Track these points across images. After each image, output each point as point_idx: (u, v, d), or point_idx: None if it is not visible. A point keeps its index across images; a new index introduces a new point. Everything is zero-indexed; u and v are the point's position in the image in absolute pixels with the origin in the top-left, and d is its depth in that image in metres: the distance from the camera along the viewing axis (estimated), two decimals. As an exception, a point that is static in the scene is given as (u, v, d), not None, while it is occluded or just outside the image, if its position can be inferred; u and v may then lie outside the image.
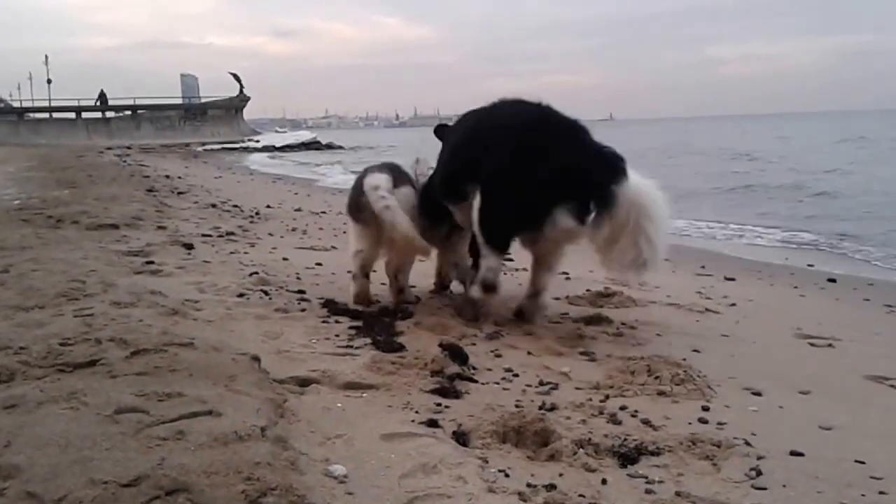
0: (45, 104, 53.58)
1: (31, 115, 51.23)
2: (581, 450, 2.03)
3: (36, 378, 2.13)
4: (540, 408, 2.35)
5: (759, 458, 2.04)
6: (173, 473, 1.55)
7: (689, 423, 2.31)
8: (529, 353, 3.03)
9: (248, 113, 58.38)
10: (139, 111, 52.02)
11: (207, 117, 52.93)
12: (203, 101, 56.16)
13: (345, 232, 6.49)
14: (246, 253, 5.18)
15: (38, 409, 1.86)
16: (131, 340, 2.47)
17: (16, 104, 54.96)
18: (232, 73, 54.21)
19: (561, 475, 1.93)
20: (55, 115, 51.16)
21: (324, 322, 3.30)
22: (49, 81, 56.36)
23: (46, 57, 58.74)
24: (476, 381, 2.61)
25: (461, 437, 2.09)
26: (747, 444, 2.14)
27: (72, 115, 50.65)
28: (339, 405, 2.25)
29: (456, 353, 2.72)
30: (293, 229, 6.84)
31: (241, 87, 53.55)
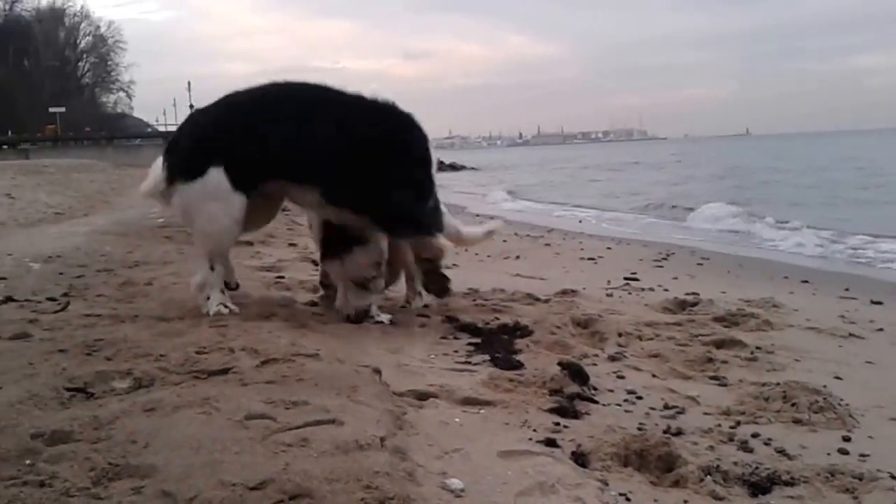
0: (189, 128, 57.99)
1: (176, 139, 55.65)
2: (708, 477, 1.92)
3: (173, 384, 2.27)
4: (664, 432, 2.24)
5: (907, 493, 1.84)
6: (297, 479, 1.59)
7: (828, 454, 2.15)
8: (654, 375, 2.90)
9: (374, 135, 60.27)
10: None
11: (336, 139, 55.25)
12: (332, 124, 58.64)
13: (476, 254, 6.53)
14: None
15: (174, 413, 1.97)
16: (262, 350, 2.60)
17: (161, 129, 59.95)
18: (356, 96, 56.41)
19: (686, 502, 1.83)
20: (198, 138, 55.26)
21: (443, 338, 3.31)
22: (191, 107, 61.10)
23: (189, 83, 64.16)
24: (596, 402, 2.52)
25: (580, 458, 2.02)
26: (893, 477, 1.95)
27: (213, 137, 54.54)
28: (457, 420, 2.24)
29: (576, 373, 2.64)
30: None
31: (367, 110, 55.56)
